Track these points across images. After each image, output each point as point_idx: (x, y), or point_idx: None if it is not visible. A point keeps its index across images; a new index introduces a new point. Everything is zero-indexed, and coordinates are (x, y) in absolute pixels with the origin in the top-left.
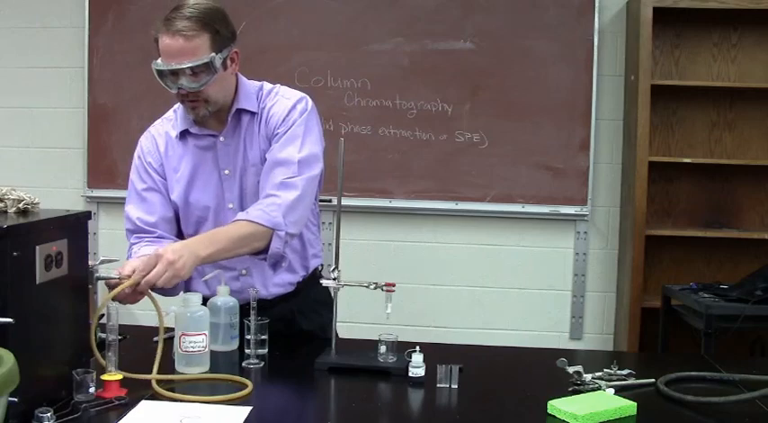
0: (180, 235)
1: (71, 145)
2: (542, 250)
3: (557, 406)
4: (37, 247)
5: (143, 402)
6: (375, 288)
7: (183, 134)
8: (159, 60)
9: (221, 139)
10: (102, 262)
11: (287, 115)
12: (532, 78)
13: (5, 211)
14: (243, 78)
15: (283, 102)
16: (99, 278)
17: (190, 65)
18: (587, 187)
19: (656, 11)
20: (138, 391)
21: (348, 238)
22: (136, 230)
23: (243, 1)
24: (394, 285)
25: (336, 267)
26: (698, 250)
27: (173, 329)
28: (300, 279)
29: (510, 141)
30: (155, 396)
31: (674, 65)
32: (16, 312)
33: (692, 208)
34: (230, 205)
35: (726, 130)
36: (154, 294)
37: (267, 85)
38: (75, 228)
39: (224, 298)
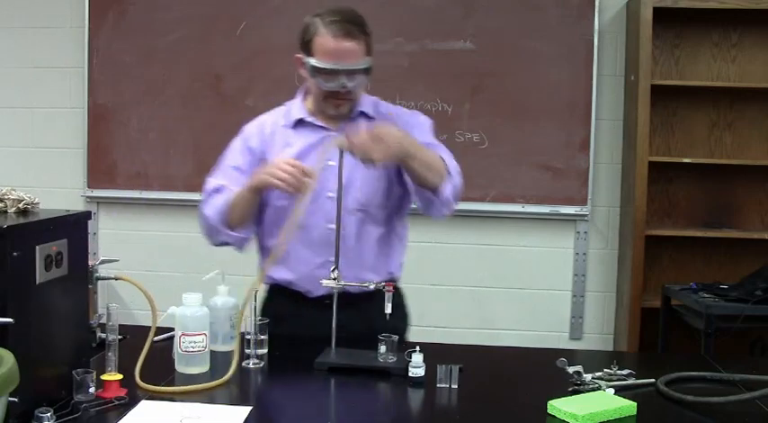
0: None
1: (71, 145)
2: (542, 250)
3: (557, 406)
4: (37, 247)
5: (143, 402)
6: (375, 288)
7: (297, 124)
8: (316, 59)
9: (334, 133)
10: (103, 262)
11: (423, 128)
12: (532, 78)
13: (5, 211)
14: None
15: (417, 115)
16: (99, 278)
17: (361, 67)
18: (587, 187)
19: (656, 11)
20: (138, 391)
21: None
22: (216, 190)
23: (243, 1)
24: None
25: (336, 267)
26: (698, 250)
27: (172, 329)
28: (379, 280)
29: (510, 141)
30: (155, 396)
31: (674, 65)
32: (16, 312)
33: (691, 208)
34: (329, 194)
35: (726, 130)
36: (150, 293)
37: (380, 100)
38: (75, 228)
39: (224, 298)
